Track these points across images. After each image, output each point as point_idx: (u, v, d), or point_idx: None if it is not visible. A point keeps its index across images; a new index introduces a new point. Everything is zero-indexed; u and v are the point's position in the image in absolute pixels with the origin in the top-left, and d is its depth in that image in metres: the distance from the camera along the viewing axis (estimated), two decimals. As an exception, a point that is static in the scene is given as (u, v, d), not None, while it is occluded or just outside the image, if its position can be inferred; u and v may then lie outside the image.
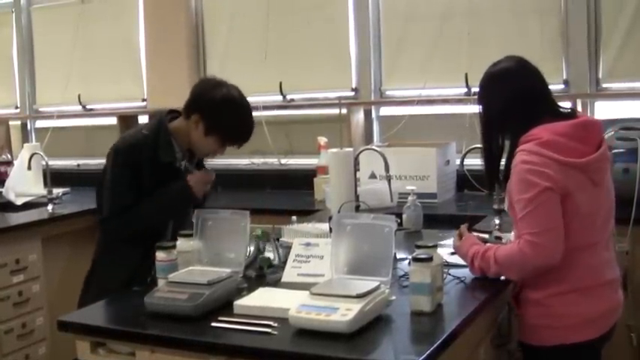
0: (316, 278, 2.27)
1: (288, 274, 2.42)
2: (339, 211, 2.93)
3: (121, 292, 2.45)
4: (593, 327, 2.35)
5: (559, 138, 2.27)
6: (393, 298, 2.07)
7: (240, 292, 2.23)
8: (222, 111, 2.73)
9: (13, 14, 5.80)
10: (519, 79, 2.44)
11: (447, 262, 2.39)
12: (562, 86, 4.07)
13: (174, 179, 2.79)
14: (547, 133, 2.28)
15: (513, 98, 2.40)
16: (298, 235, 2.68)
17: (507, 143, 2.44)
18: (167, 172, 2.78)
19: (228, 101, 2.75)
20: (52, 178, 4.45)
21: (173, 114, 2.87)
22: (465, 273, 2.41)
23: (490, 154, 2.49)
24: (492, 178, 2.51)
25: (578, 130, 2.31)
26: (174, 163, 2.81)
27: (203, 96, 2.75)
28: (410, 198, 3.19)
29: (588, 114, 4.03)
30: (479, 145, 3.70)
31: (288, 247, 2.55)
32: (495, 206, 3.19)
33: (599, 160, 2.33)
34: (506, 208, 2.50)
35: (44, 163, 4.48)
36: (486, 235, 2.54)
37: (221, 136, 2.77)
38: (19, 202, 4.51)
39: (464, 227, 2.53)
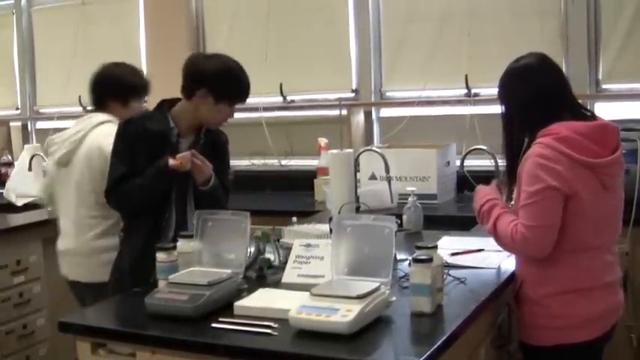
0: (316, 279, 2.27)
1: (289, 275, 2.42)
2: (339, 212, 2.94)
3: (130, 278, 2.47)
4: (591, 327, 2.36)
5: (576, 136, 2.28)
6: (394, 299, 2.07)
7: (240, 293, 2.23)
8: (224, 78, 2.84)
9: (14, 15, 5.81)
10: (541, 76, 2.44)
11: (447, 263, 2.40)
12: (562, 87, 4.07)
13: (167, 151, 2.84)
14: (565, 129, 2.29)
15: (535, 96, 2.39)
16: (298, 236, 2.68)
17: (527, 140, 2.43)
18: (161, 144, 2.84)
19: (225, 67, 2.87)
20: (53, 179, 4.44)
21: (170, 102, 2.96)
22: (465, 274, 2.42)
23: (511, 151, 2.48)
24: (513, 176, 2.47)
25: (596, 132, 2.32)
26: (169, 136, 2.86)
27: (201, 71, 2.85)
28: (410, 199, 3.19)
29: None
30: (479, 147, 3.74)
31: (288, 248, 2.56)
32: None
33: (612, 164, 2.34)
34: (513, 198, 2.51)
35: (45, 164, 4.47)
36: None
37: (229, 100, 2.88)
38: (19, 203, 4.50)
39: (497, 182, 2.60)
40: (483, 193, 2.52)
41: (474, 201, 2.55)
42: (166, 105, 2.91)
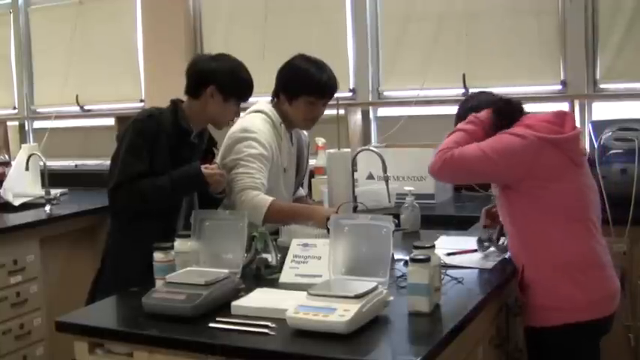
0: (314, 279, 2.27)
1: (286, 275, 2.42)
2: (337, 212, 2.93)
3: (140, 283, 2.41)
4: (596, 308, 2.46)
5: (541, 122, 2.49)
6: (391, 298, 2.07)
7: (237, 293, 2.23)
8: (234, 76, 2.91)
9: (11, 15, 5.79)
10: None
11: (444, 262, 2.40)
12: (559, 87, 4.07)
13: (187, 153, 2.86)
14: (530, 119, 2.53)
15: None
16: (296, 235, 2.68)
17: None
18: (182, 144, 2.85)
19: (234, 66, 2.96)
20: (50, 178, 4.45)
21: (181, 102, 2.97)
22: (463, 274, 2.42)
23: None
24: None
25: (558, 117, 2.53)
26: (191, 136, 2.88)
27: (209, 69, 2.90)
28: (408, 199, 3.19)
29: (586, 115, 4.07)
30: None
31: (285, 248, 2.55)
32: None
33: (575, 140, 2.51)
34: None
35: (42, 163, 4.47)
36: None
37: (237, 98, 2.94)
38: (16, 202, 4.50)
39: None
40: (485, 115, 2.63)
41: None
42: (179, 104, 2.92)
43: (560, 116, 2.55)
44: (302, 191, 3.52)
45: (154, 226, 2.74)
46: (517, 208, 2.50)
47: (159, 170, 2.77)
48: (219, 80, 2.87)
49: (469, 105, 2.74)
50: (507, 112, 2.57)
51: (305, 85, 3.09)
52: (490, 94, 2.78)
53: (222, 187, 2.89)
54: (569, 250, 2.44)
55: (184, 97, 2.95)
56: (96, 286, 2.88)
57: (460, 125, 2.61)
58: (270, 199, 2.86)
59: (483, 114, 2.59)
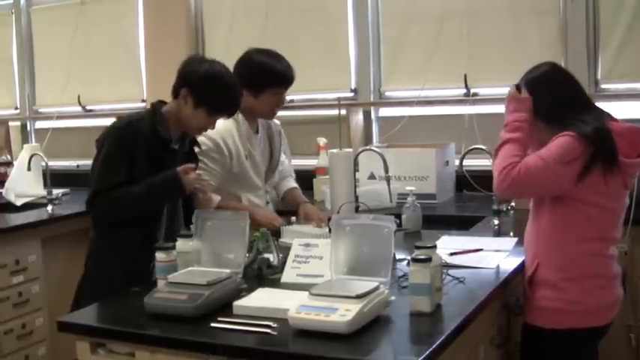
0: (315, 279, 2.27)
1: (288, 275, 2.43)
2: (338, 212, 2.94)
3: (121, 291, 2.42)
4: (603, 315, 2.46)
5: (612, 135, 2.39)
6: (393, 298, 2.07)
7: (239, 293, 2.23)
8: (207, 81, 2.76)
9: (13, 15, 5.80)
10: (560, 85, 2.52)
11: (446, 262, 2.40)
12: (561, 87, 4.07)
13: (168, 159, 2.77)
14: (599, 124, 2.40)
15: (556, 103, 2.48)
16: (298, 235, 2.68)
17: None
18: (161, 151, 2.76)
19: (212, 72, 2.78)
20: (52, 178, 4.45)
21: (164, 103, 2.87)
22: (464, 273, 2.42)
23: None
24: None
25: (628, 133, 2.41)
26: (170, 143, 2.79)
27: (189, 71, 2.79)
28: (409, 199, 3.19)
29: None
30: (478, 146, 3.74)
31: (287, 248, 2.56)
32: (494, 207, 3.19)
33: (636, 167, 2.44)
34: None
35: (44, 163, 4.48)
36: None
37: (209, 107, 2.76)
38: (18, 202, 4.51)
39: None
40: (524, 104, 2.48)
41: (510, 104, 2.53)
42: (160, 107, 2.82)
43: (632, 132, 2.41)
44: (292, 182, 3.52)
45: (134, 235, 2.70)
46: (557, 213, 2.43)
47: (139, 178, 2.69)
48: (193, 84, 2.74)
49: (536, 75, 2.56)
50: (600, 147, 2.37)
51: (268, 78, 3.17)
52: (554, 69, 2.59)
53: (211, 207, 2.86)
54: (591, 264, 2.43)
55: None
56: (80, 291, 2.85)
57: (508, 135, 2.46)
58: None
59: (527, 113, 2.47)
